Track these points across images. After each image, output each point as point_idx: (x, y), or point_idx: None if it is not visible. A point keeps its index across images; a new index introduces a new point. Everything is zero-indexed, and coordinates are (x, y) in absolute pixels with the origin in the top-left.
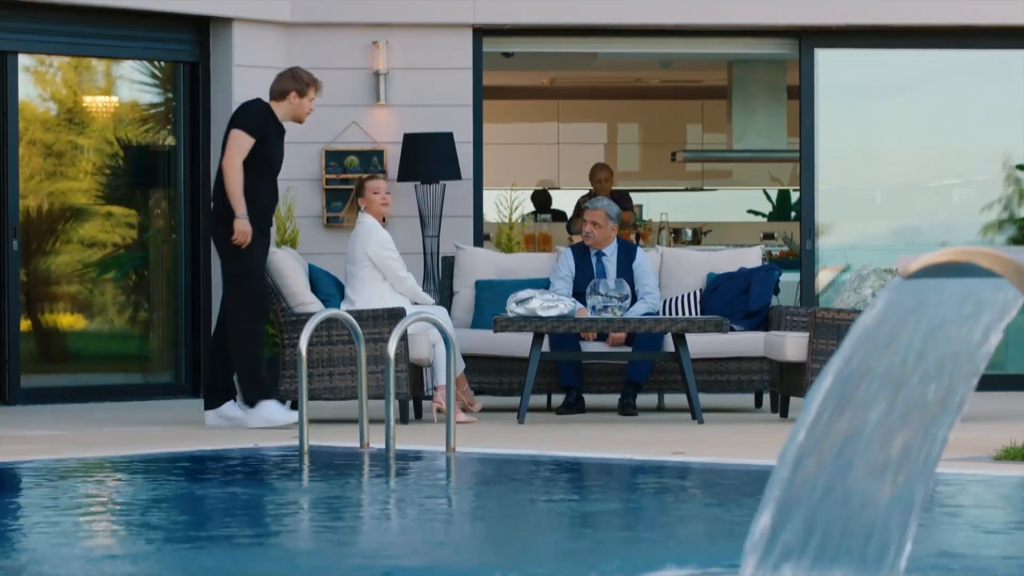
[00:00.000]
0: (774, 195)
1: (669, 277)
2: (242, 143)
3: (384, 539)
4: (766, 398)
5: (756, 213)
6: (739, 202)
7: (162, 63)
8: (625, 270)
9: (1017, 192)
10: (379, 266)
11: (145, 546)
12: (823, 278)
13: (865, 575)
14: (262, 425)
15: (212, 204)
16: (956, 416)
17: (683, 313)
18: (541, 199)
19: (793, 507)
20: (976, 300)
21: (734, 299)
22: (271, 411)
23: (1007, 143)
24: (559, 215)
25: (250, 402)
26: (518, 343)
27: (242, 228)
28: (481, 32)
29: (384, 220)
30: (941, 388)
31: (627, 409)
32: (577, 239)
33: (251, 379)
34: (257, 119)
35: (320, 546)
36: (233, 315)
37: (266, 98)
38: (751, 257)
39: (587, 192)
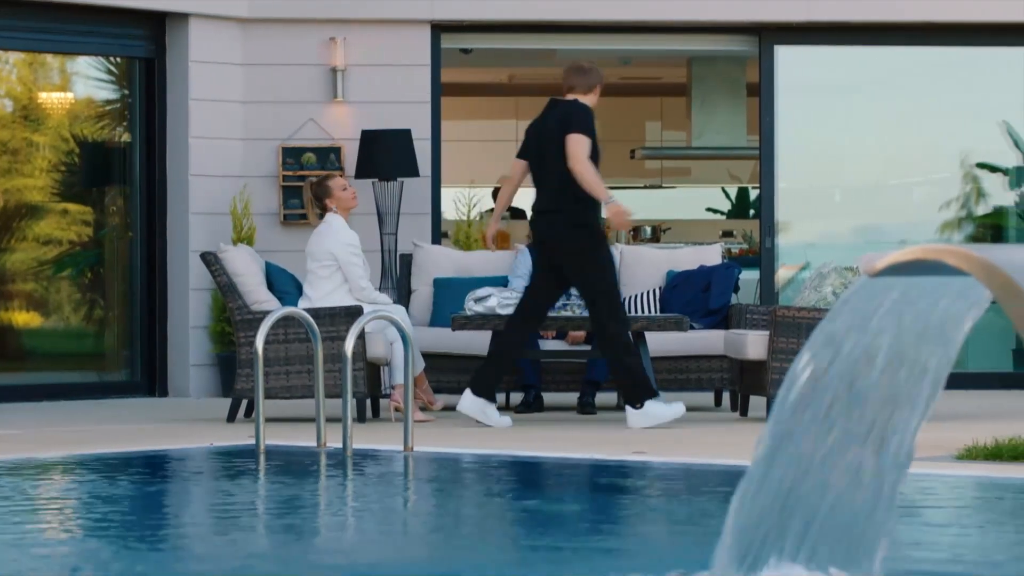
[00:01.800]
0: (733, 193)
1: (629, 275)
2: (586, 145)
3: (339, 539)
4: (726, 397)
5: (715, 211)
6: (698, 200)
7: (118, 59)
8: None
9: (975, 190)
10: (342, 268)
11: (95, 545)
12: (782, 276)
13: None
14: (650, 423)
15: (558, 217)
16: (924, 415)
17: (643, 311)
18: None
19: (765, 508)
20: (943, 298)
21: (694, 297)
22: (657, 409)
23: (966, 141)
24: (518, 213)
25: (637, 404)
26: (477, 341)
27: (617, 209)
28: (439, 28)
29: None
30: (909, 387)
31: (586, 408)
32: None
33: (637, 384)
34: (591, 120)
35: (274, 546)
36: (612, 332)
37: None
38: (711, 255)
39: None
